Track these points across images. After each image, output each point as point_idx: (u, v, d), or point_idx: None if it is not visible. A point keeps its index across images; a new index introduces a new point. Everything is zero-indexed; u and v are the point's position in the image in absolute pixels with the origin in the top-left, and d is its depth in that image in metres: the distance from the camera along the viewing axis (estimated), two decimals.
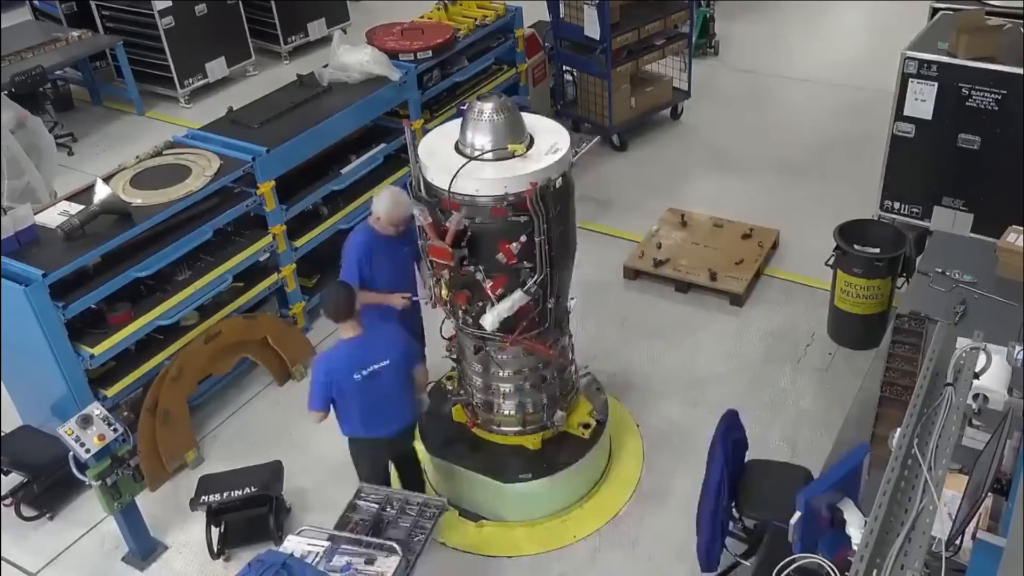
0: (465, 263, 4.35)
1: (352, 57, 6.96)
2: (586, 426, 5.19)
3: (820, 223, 6.58)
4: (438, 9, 8.30)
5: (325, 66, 7.01)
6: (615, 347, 6.35)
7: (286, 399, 6.17)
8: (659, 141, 8.99)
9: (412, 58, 7.25)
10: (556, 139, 4.44)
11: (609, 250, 7.26)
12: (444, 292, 4.50)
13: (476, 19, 7.99)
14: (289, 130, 6.38)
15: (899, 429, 2.85)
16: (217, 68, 10.44)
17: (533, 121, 4.56)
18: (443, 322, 5.02)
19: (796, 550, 3.05)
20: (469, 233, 4.29)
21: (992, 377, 2.95)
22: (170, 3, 9.72)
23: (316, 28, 11.38)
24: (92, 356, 5.25)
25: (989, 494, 2.86)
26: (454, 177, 4.19)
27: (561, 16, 8.45)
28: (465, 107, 4.42)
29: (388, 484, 4.91)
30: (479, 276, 4.38)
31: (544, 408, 5.03)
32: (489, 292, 4.39)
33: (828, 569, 3.26)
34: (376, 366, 4.50)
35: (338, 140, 6.77)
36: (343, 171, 6.77)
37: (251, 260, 6.12)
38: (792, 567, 3.32)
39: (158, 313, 5.57)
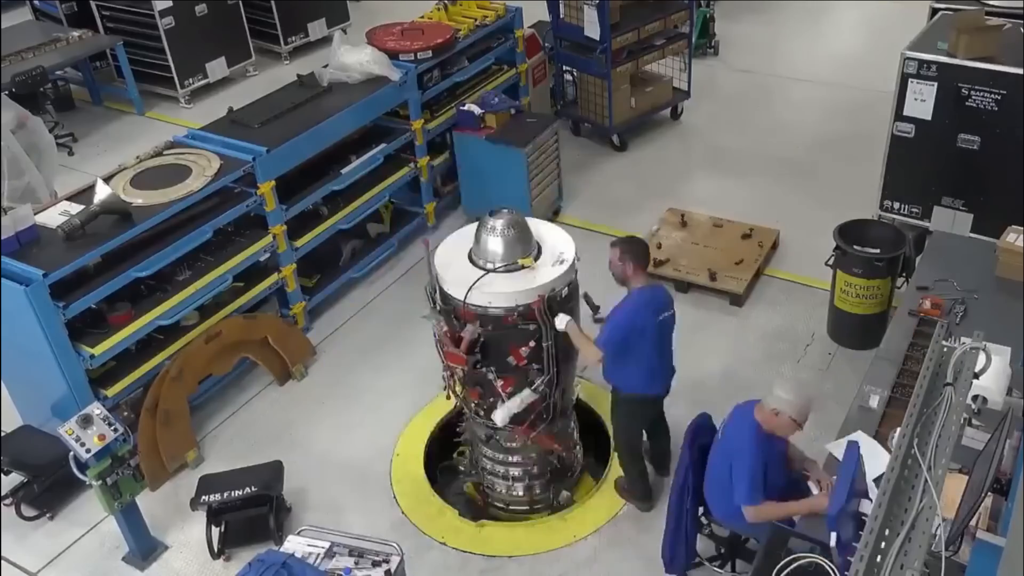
0: (478, 366, 4.60)
1: (352, 57, 6.96)
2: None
3: (820, 223, 6.58)
4: (438, 9, 8.30)
5: (325, 66, 7.01)
6: None
7: (286, 399, 6.17)
8: (659, 141, 8.99)
9: (412, 58, 7.25)
10: (562, 248, 4.68)
11: (609, 250, 7.25)
12: (458, 388, 4.80)
13: (476, 19, 7.98)
14: (289, 130, 6.39)
15: (899, 429, 2.85)
16: (217, 68, 10.45)
17: (539, 228, 4.80)
18: (454, 408, 5.23)
19: (842, 572, 3.05)
20: (482, 340, 4.53)
21: (992, 377, 2.95)
22: (170, 3, 9.72)
23: (316, 28, 11.38)
24: (92, 356, 5.25)
25: (989, 494, 2.87)
26: (469, 290, 4.42)
27: (561, 16, 8.45)
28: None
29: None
30: (491, 376, 4.64)
31: (551, 489, 5.24)
32: (500, 390, 4.67)
33: (828, 569, 3.27)
34: (668, 313, 4.73)
35: (338, 140, 6.78)
36: (343, 171, 6.77)
37: (251, 260, 6.12)
38: (792, 567, 3.34)
39: (158, 313, 5.57)
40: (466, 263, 4.62)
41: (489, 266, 4.53)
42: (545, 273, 4.52)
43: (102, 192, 5.47)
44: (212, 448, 5.82)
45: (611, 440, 5.29)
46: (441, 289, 4.63)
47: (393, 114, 7.21)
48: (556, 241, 4.76)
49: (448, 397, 5.01)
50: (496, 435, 5.02)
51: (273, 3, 10.86)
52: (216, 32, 10.30)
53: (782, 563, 3.38)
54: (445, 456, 5.69)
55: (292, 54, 11.25)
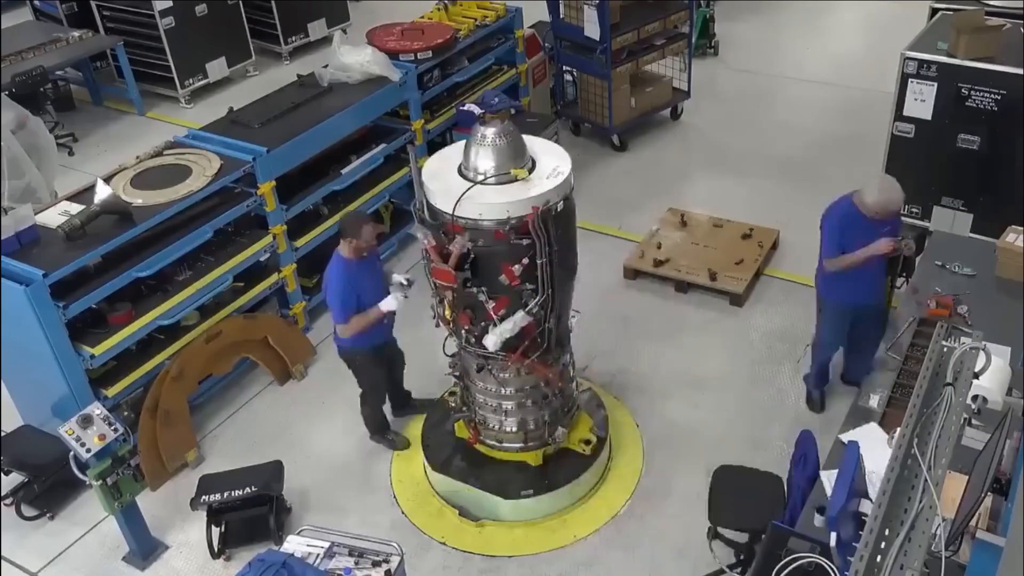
0: (468, 285, 4.41)
1: (352, 57, 6.96)
2: (587, 442, 5.24)
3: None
4: (438, 9, 8.30)
5: (325, 66, 7.01)
6: (615, 347, 6.35)
7: (286, 399, 6.18)
8: (659, 141, 8.99)
9: (412, 58, 7.25)
10: (558, 162, 4.50)
11: (609, 250, 7.27)
12: (447, 312, 4.55)
13: (476, 19, 7.99)
14: (289, 130, 6.39)
15: (899, 429, 2.85)
16: (217, 68, 10.45)
17: (534, 144, 4.64)
18: (446, 340, 5.07)
19: (843, 573, 3.05)
20: (472, 256, 4.35)
21: (991, 377, 2.95)
22: (171, 3, 9.72)
23: (316, 28, 11.39)
24: (93, 356, 5.26)
25: (989, 494, 2.87)
26: (458, 201, 4.24)
27: (561, 16, 8.45)
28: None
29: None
30: (482, 297, 4.43)
31: (546, 425, 5.10)
32: (492, 313, 4.45)
33: (828, 569, 3.27)
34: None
35: (338, 140, 6.78)
36: (343, 171, 6.77)
37: (251, 260, 6.13)
38: (792, 567, 3.34)
39: (159, 313, 5.58)
40: (455, 175, 4.42)
41: (480, 177, 4.32)
42: (540, 185, 4.31)
43: (102, 192, 5.48)
44: (212, 448, 5.82)
45: None
46: (428, 202, 4.43)
47: (393, 114, 7.21)
48: (551, 155, 4.57)
49: (437, 325, 4.77)
50: (488, 364, 4.78)
51: (273, 3, 10.87)
52: (216, 32, 10.30)
53: (782, 563, 3.38)
54: (438, 411, 5.57)
55: (292, 54, 11.25)
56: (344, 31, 11.25)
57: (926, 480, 2.57)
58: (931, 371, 3.02)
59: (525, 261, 4.33)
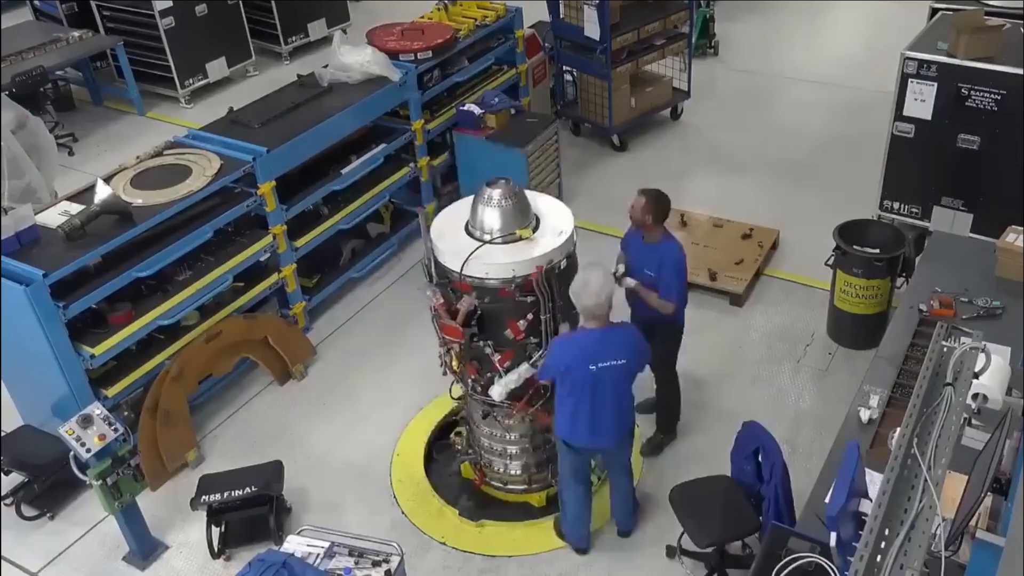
0: (475, 339, 4.56)
1: (352, 57, 6.96)
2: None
3: (820, 223, 6.59)
4: (438, 9, 8.30)
5: (325, 66, 7.01)
6: None
7: (286, 399, 6.18)
8: (659, 141, 9.00)
9: (412, 58, 7.25)
10: (560, 220, 4.63)
11: (609, 250, 7.24)
12: (455, 363, 4.71)
13: (476, 19, 7.99)
14: (289, 130, 6.39)
15: (899, 429, 2.85)
16: (217, 68, 10.45)
17: (538, 201, 4.75)
18: (452, 385, 5.14)
19: (843, 573, 3.04)
20: (479, 312, 4.49)
21: (991, 377, 2.95)
22: (171, 3, 9.72)
23: (316, 28, 11.39)
24: (93, 356, 5.26)
25: (988, 493, 2.87)
26: (465, 262, 4.37)
27: (561, 16, 8.45)
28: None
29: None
30: (488, 351, 4.59)
31: (549, 467, 5.17)
32: (497, 365, 4.60)
33: (828, 569, 3.27)
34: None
35: (338, 140, 6.78)
36: (343, 171, 6.77)
37: (251, 260, 6.12)
38: (792, 567, 3.34)
39: (159, 313, 5.58)
40: (462, 234, 4.56)
41: (486, 237, 4.46)
42: (544, 244, 4.44)
43: (102, 192, 5.48)
44: (212, 448, 5.82)
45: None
46: (437, 260, 4.56)
47: (393, 114, 7.21)
48: (555, 213, 4.69)
49: (444, 374, 4.91)
50: (493, 411, 4.93)
51: (273, 3, 10.87)
52: (216, 32, 10.30)
53: (782, 563, 3.38)
54: (445, 452, 5.66)
55: (292, 54, 11.25)
56: (344, 31, 11.25)
57: (926, 480, 2.57)
58: (931, 371, 3.02)
59: (530, 316, 4.50)
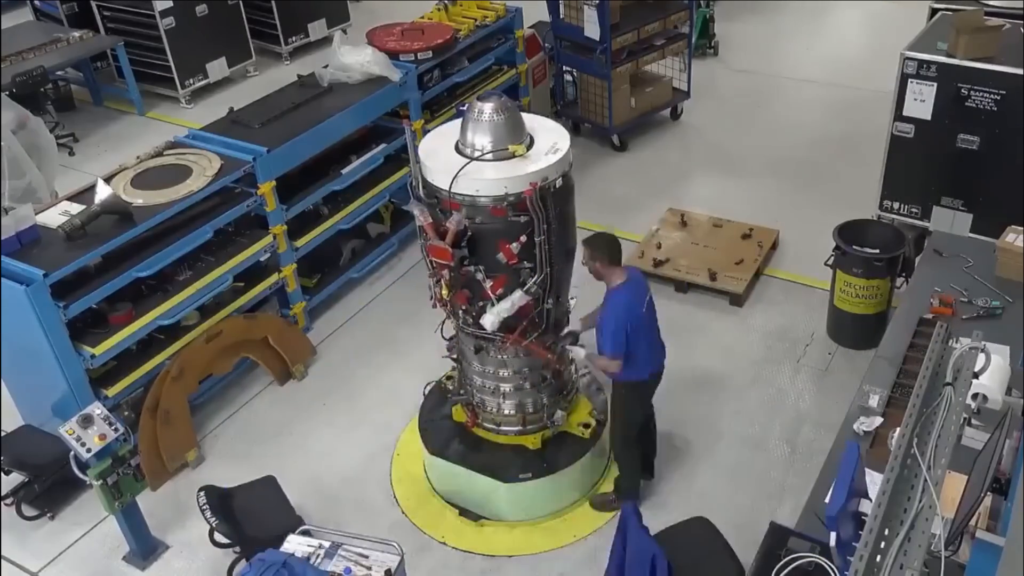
0: (465, 263, 4.36)
1: (353, 58, 6.96)
2: (586, 426, 5.18)
3: (819, 223, 6.59)
4: (438, 10, 8.30)
5: (325, 66, 7.01)
6: None
7: (286, 399, 6.18)
8: (659, 141, 9.00)
9: (412, 58, 7.25)
10: (556, 139, 4.46)
11: None
12: (444, 292, 4.48)
13: (476, 20, 7.99)
14: (290, 130, 6.39)
15: (898, 429, 2.86)
16: (218, 68, 10.45)
17: (533, 121, 4.58)
18: (443, 323, 5.03)
19: (843, 573, 3.05)
20: (469, 233, 4.31)
21: (991, 376, 2.95)
22: (171, 4, 9.73)
23: (316, 28, 11.39)
24: (93, 356, 5.26)
25: (988, 493, 2.87)
26: (455, 178, 4.20)
27: (561, 16, 8.46)
28: (465, 107, 4.43)
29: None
30: (479, 276, 4.40)
31: (544, 407, 5.04)
32: (489, 292, 4.42)
33: (828, 569, 3.28)
34: (647, 298, 4.64)
35: (338, 140, 6.78)
36: (343, 171, 6.77)
37: (252, 260, 6.13)
38: (792, 567, 3.34)
39: (159, 313, 5.58)
40: (452, 152, 4.39)
41: (477, 154, 4.28)
42: (538, 161, 4.28)
43: (103, 192, 5.48)
44: (212, 448, 5.83)
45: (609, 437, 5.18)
46: (425, 179, 4.40)
47: (393, 114, 7.21)
48: (550, 132, 4.52)
49: (434, 306, 4.70)
50: (486, 346, 4.74)
51: (273, 3, 10.87)
52: (216, 32, 10.31)
53: (782, 563, 3.38)
54: (435, 395, 5.49)
55: (292, 54, 11.25)
56: (344, 31, 11.26)
57: (926, 480, 2.58)
58: (931, 371, 3.02)
59: (523, 239, 4.31)
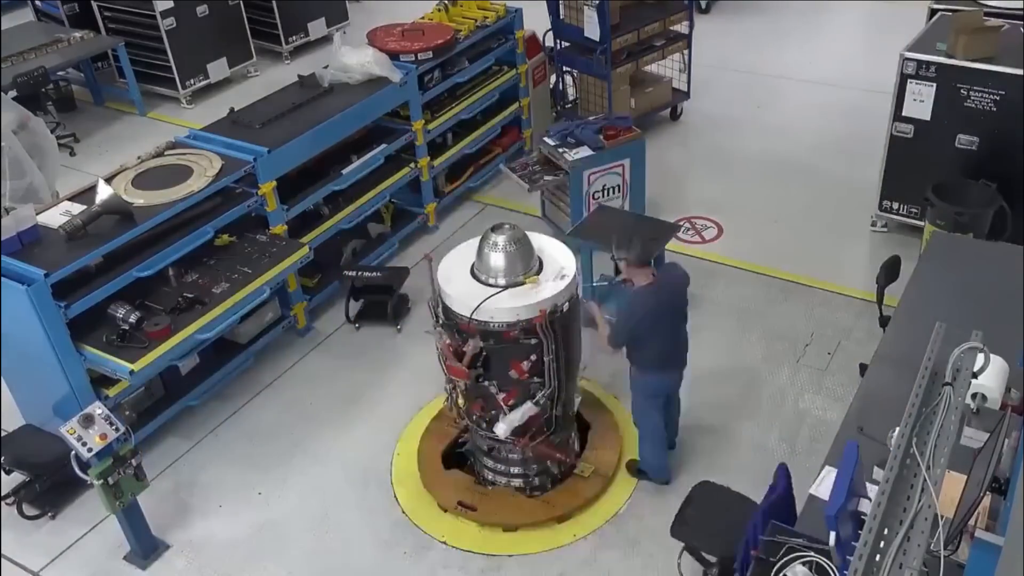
0: (480, 380, 4.69)
1: (353, 58, 6.97)
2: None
3: (819, 223, 6.60)
4: (439, 10, 8.31)
5: (326, 67, 7.02)
6: None
7: (287, 398, 6.18)
8: (659, 141, 9.00)
9: (413, 59, 7.26)
10: (563, 263, 4.74)
11: None
12: (460, 401, 4.90)
13: (477, 20, 8.00)
14: (290, 131, 6.40)
15: (898, 428, 2.86)
16: (218, 69, 10.46)
17: (541, 243, 4.83)
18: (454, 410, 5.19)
19: (842, 572, 3.05)
20: (484, 354, 4.60)
21: (990, 376, 2.96)
22: (172, 4, 9.74)
23: (316, 28, 11.41)
24: (132, 372, 5.10)
25: (987, 493, 2.87)
26: (475, 310, 4.47)
27: (561, 17, 8.46)
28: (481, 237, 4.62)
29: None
30: (492, 390, 4.73)
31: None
32: (502, 403, 4.75)
33: (828, 569, 3.28)
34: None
35: (339, 141, 6.78)
36: (344, 171, 6.78)
37: (288, 271, 6.11)
38: (791, 566, 3.35)
39: (197, 327, 5.41)
40: (468, 278, 4.67)
41: (491, 281, 4.59)
42: (547, 288, 4.57)
43: (104, 192, 5.49)
44: (212, 448, 5.83)
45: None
46: (444, 304, 4.67)
47: (394, 115, 7.22)
48: (557, 255, 4.80)
49: (450, 410, 5.10)
50: (498, 447, 5.08)
51: (274, 3, 10.89)
52: (217, 33, 10.32)
53: (782, 563, 3.38)
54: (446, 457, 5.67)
55: (293, 54, 11.26)
56: (343, 31, 11.26)
57: (925, 479, 2.58)
58: (930, 370, 3.02)
59: (533, 357, 4.60)
